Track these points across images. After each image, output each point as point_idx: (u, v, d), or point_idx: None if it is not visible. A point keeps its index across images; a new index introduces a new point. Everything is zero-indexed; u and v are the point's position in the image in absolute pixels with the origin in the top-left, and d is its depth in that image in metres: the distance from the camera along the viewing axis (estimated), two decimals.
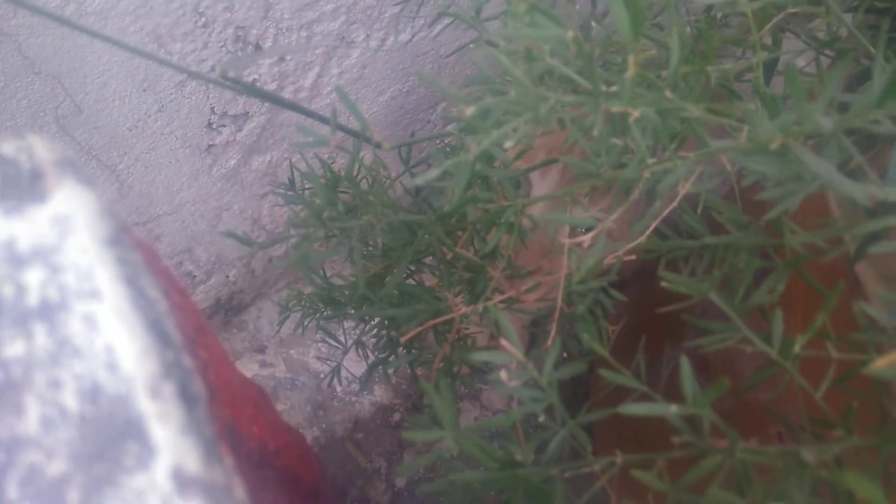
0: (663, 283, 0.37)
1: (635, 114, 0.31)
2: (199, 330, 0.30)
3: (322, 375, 1.31)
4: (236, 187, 0.95)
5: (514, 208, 0.48)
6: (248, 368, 1.25)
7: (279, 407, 1.23)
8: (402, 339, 0.48)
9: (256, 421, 0.38)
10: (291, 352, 1.28)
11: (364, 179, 0.63)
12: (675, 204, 0.42)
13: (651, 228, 0.43)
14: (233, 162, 0.90)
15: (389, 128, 1.04)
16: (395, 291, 0.52)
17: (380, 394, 1.27)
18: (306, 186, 0.61)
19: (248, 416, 0.36)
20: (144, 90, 0.73)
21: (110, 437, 0.18)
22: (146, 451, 0.19)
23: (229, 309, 1.23)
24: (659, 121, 0.34)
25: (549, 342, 0.43)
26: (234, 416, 0.32)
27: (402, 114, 1.03)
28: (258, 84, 0.81)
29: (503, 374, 0.34)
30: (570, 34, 0.30)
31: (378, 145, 0.54)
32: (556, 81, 0.41)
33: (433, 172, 0.36)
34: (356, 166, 0.53)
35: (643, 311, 0.86)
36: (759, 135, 0.30)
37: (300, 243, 0.42)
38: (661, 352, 0.94)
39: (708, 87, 0.39)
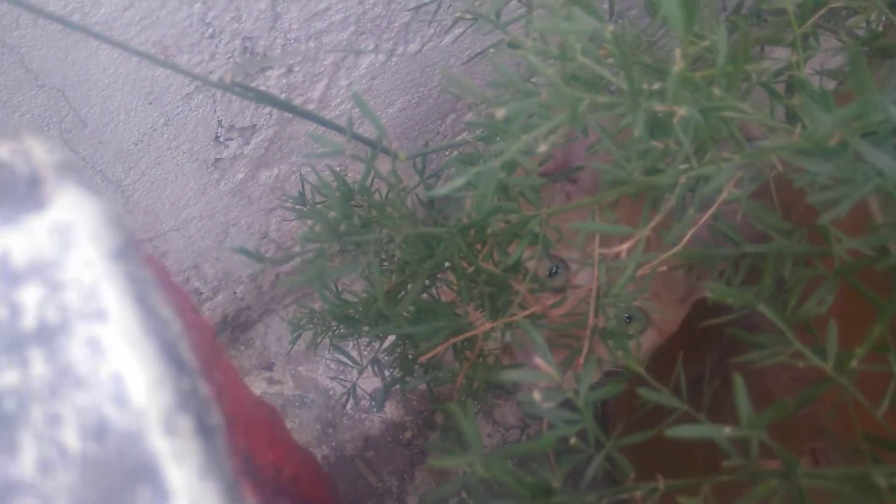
0: (708, 294, 0.34)
1: (681, 112, 0.29)
2: (214, 351, 0.27)
3: (331, 392, 1.28)
4: (244, 202, 0.93)
5: (538, 218, 0.45)
6: (256, 386, 1.23)
7: (287, 425, 1.20)
8: (422, 359, 0.46)
9: (272, 446, 0.35)
10: (300, 369, 1.26)
11: (377, 192, 0.61)
12: (712, 211, 0.39)
13: (686, 238, 0.41)
14: (240, 176, 0.88)
15: (399, 139, 1.02)
16: (412, 308, 0.50)
17: (390, 411, 1.25)
18: (318, 200, 0.59)
19: (264, 441, 0.34)
20: (150, 103, 0.72)
21: (119, 480, 0.16)
22: (160, 496, 0.16)
23: (236, 326, 1.20)
24: (702, 120, 0.31)
25: (583, 359, 0.40)
26: (250, 444, 0.30)
27: (411, 125, 1.01)
28: None
29: (536, 395, 0.31)
30: (609, 28, 0.27)
31: (395, 155, 0.52)
32: (584, 85, 0.39)
33: (457, 181, 0.34)
34: (371, 177, 0.51)
35: (679, 326, 0.83)
36: (815, 130, 0.28)
37: (315, 259, 0.39)
38: (697, 368, 0.92)
39: (749, 87, 0.37)
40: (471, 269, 0.47)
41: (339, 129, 0.50)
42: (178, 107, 0.74)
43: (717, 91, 0.29)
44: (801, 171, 0.37)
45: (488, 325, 0.44)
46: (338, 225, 0.40)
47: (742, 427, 0.29)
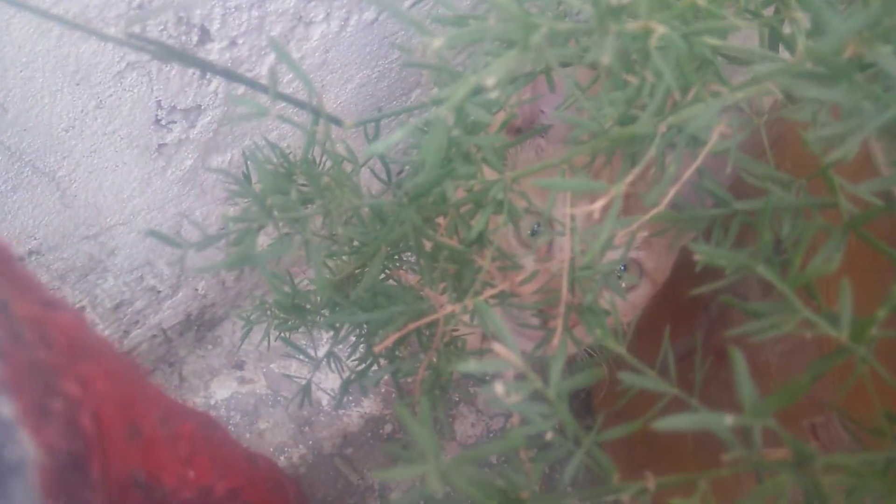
0: (695, 257, 0.29)
1: (659, 29, 0.23)
2: (77, 353, 0.22)
3: (321, 342, 1.22)
4: (196, 191, 0.87)
5: (501, 183, 0.40)
6: (227, 387, 1.17)
7: (261, 425, 1.15)
8: (375, 350, 0.41)
9: (193, 463, 0.30)
10: (272, 366, 1.20)
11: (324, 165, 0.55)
12: (697, 164, 0.34)
13: (669, 198, 0.35)
14: (189, 162, 0.82)
15: (360, 117, 0.96)
16: (370, 293, 0.44)
17: (368, 405, 1.19)
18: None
19: (180, 458, 0.28)
20: (77, 84, 0.65)
21: None
22: None
23: (201, 324, 1.14)
24: (685, 47, 0.26)
25: (556, 341, 0.35)
26: (149, 465, 0.24)
27: (373, 101, 0.95)
28: (207, 74, 0.72)
29: (498, 388, 0.26)
30: None
31: (338, 122, 0.47)
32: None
33: (396, 134, 0.28)
34: (314, 149, 0.45)
35: (663, 297, 0.78)
36: (824, 43, 0.23)
37: (239, 240, 0.34)
38: (684, 343, 0.87)
39: (735, 13, 0.32)
40: (429, 246, 0.42)
41: (286, 98, 0.44)
42: (109, 87, 0.67)
43: (702, 2, 0.24)
44: (798, 107, 0.32)
45: (449, 308, 0.39)
46: (265, 199, 0.35)
47: (746, 415, 0.24)
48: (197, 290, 1.06)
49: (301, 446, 1.16)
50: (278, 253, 0.35)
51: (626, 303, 0.69)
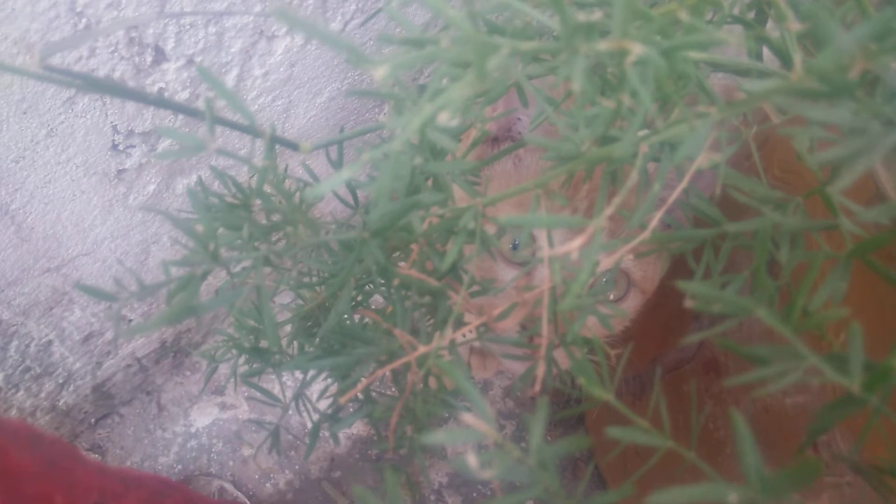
0: (687, 302, 0.26)
1: (635, 50, 0.20)
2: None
3: (291, 412, 1.19)
4: (161, 216, 0.83)
5: (472, 211, 0.37)
6: (208, 413, 1.13)
7: (244, 452, 1.11)
8: (341, 401, 0.37)
9: None
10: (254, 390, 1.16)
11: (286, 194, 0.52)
12: (684, 184, 0.31)
13: (655, 220, 0.32)
14: (151, 187, 0.78)
15: (331, 132, 0.92)
16: (338, 332, 0.41)
17: (356, 426, 1.16)
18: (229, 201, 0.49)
19: None
20: (24, 113, 0.61)
21: None
22: None
23: (178, 350, 1.10)
24: (664, 65, 0.23)
25: (537, 388, 0.31)
26: None
27: (344, 115, 0.92)
28: (165, 95, 0.69)
29: (472, 460, 0.23)
30: None
31: (294, 146, 0.43)
32: (510, 33, 0.30)
33: (343, 172, 0.25)
34: (269, 177, 0.42)
35: (653, 305, 0.75)
36: (828, 59, 0.19)
37: (178, 289, 0.30)
38: (678, 353, 0.84)
39: (719, 21, 0.29)
40: (396, 281, 0.38)
41: (245, 130, 0.40)
42: (59, 114, 0.63)
43: (683, 16, 0.20)
44: (796, 126, 0.29)
45: (421, 350, 0.35)
46: (207, 243, 0.31)
47: (751, 487, 0.20)
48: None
49: (287, 471, 1.12)
50: (226, 302, 0.31)
51: (616, 314, 0.66)
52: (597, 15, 0.20)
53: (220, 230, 0.40)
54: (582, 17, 0.20)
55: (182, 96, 0.70)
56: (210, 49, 0.68)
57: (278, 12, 0.20)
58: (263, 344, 0.48)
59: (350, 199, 0.50)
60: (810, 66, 0.20)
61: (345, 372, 0.39)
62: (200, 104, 0.73)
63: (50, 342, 0.88)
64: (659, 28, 0.22)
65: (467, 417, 0.22)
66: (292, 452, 1.13)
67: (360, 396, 0.46)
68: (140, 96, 0.32)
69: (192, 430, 1.11)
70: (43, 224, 0.72)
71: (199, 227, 0.31)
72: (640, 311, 0.76)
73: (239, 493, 1.06)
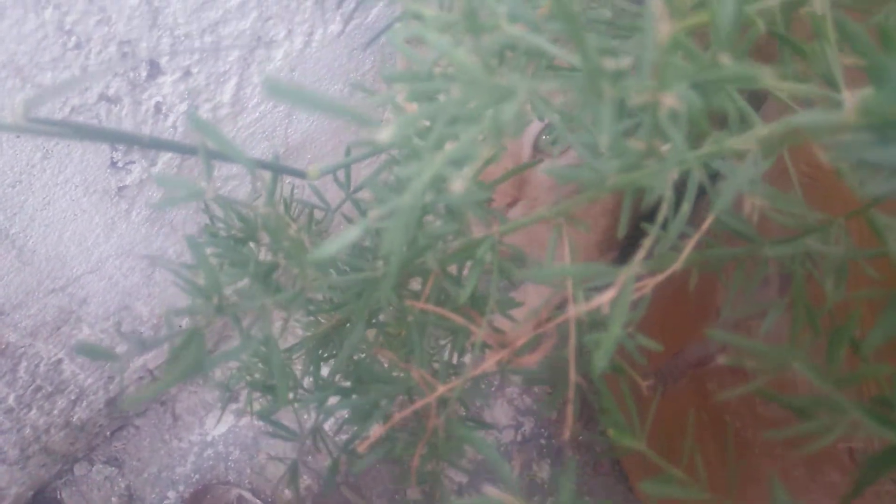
0: (719, 359, 0.24)
1: (669, 102, 0.18)
2: None
3: (306, 417, 1.18)
4: (166, 230, 0.81)
5: (489, 241, 0.34)
6: (224, 421, 1.12)
7: (261, 459, 1.10)
8: (360, 449, 0.35)
9: None
10: (270, 396, 1.15)
11: (304, 214, 0.50)
12: (720, 209, 0.29)
13: (686, 252, 0.30)
14: (154, 202, 0.76)
15: (337, 135, 0.90)
16: (352, 368, 0.39)
17: (374, 427, 1.14)
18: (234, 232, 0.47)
19: None
20: (18, 137, 0.59)
21: None
22: None
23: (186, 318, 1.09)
24: (700, 103, 0.20)
25: (566, 434, 0.29)
26: None
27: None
28: (163, 109, 0.67)
29: None
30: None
31: (301, 174, 0.41)
32: (524, 57, 0.28)
33: (352, 230, 0.23)
34: (277, 206, 0.40)
35: (673, 300, 0.73)
36: (887, 99, 0.17)
37: (183, 345, 0.28)
38: (700, 349, 0.82)
39: (751, 36, 0.26)
40: (409, 318, 0.36)
41: (244, 161, 0.38)
42: (54, 137, 0.61)
43: (724, 60, 0.18)
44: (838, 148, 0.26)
45: (441, 390, 0.34)
46: (212, 294, 0.29)
47: None
48: (181, 327, 1.00)
49: (305, 476, 1.11)
50: (234, 357, 0.29)
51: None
52: (626, 62, 0.18)
53: (225, 266, 0.38)
54: (609, 63, 0.18)
55: (180, 108, 0.68)
56: (207, 59, 0.66)
57: (267, 84, 0.18)
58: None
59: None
60: (865, 107, 0.17)
61: (363, 414, 0.38)
62: (202, 113, 0.71)
63: (60, 360, 0.87)
64: (696, 57, 0.20)
65: (492, 491, 0.20)
66: (309, 458, 1.12)
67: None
68: (132, 139, 0.30)
69: (209, 438, 1.10)
70: (45, 246, 0.71)
71: (201, 281, 0.29)
72: (660, 303, 0.74)
73: (257, 502, 1.06)
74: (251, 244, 0.42)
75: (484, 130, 0.20)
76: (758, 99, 0.59)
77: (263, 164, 0.39)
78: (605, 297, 0.23)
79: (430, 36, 0.21)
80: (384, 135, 0.19)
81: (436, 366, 0.40)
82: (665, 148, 0.23)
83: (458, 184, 0.18)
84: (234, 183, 0.83)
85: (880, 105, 0.18)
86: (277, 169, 0.38)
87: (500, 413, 1.15)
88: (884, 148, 0.19)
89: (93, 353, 0.30)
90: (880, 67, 0.18)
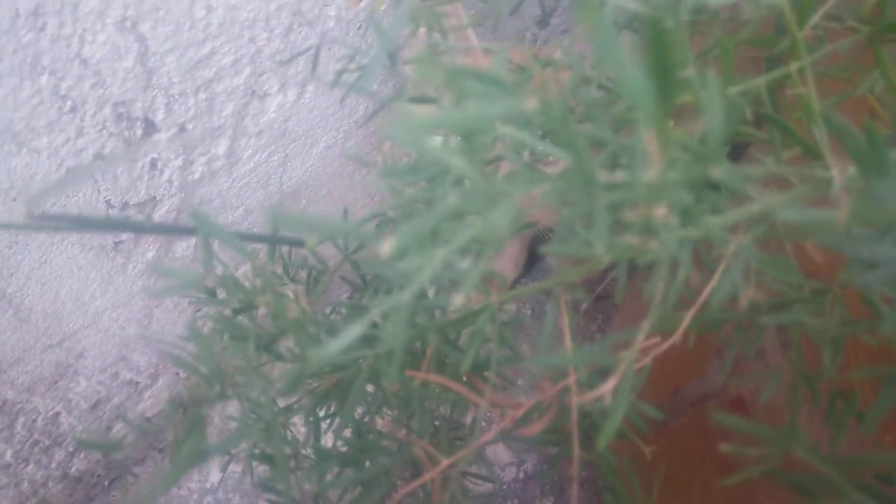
0: (722, 448, 0.24)
1: (661, 212, 0.18)
2: None
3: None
4: (163, 280, 0.81)
5: (488, 311, 0.35)
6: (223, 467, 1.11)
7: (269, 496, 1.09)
8: None
9: None
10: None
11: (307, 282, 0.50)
12: (714, 282, 0.29)
13: (686, 322, 0.30)
14: (150, 254, 0.76)
15: (331, 179, 0.91)
16: (352, 440, 0.39)
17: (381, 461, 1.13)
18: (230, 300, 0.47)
19: None
20: (14, 199, 0.59)
21: None
22: None
23: (188, 406, 1.08)
24: (691, 199, 0.21)
25: None
26: None
27: (342, 161, 0.90)
28: (158, 165, 0.67)
29: None
30: (532, 103, 0.17)
31: (299, 244, 0.41)
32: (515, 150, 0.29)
33: (353, 328, 0.23)
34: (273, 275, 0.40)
35: (668, 350, 0.73)
36: (875, 205, 0.17)
37: (186, 436, 0.28)
38: (699, 388, 0.82)
39: (735, 118, 0.27)
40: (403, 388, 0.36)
41: (245, 237, 0.38)
42: (50, 197, 0.62)
43: (717, 172, 0.18)
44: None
45: (445, 464, 0.33)
46: (214, 383, 0.29)
47: None
48: (178, 373, 1.00)
49: None
50: (235, 444, 0.29)
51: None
52: (619, 176, 0.18)
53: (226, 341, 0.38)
54: (603, 176, 0.18)
55: (176, 164, 0.69)
56: (202, 115, 0.67)
57: (270, 214, 0.19)
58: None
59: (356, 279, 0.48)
60: (859, 214, 0.18)
61: (365, 486, 0.37)
62: (195, 169, 0.71)
63: (57, 414, 0.86)
64: (689, 166, 0.20)
65: None
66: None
67: None
68: (129, 226, 0.30)
69: (208, 485, 1.09)
70: (42, 303, 0.71)
71: (203, 369, 0.29)
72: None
73: None
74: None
75: (480, 233, 0.21)
76: (740, 148, 0.60)
77: (261, 238, 0.39)
78: (606, 387, 0.23)
79: (428, 142, 0.21)
80: (386, 248, 0.19)
81: (437, 422, 0.40)
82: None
83: (459, 298, 0.18)
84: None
85: (870, 210, 0.19)
86: (276, 240, 0.38)
87: (501, 451, 1.15)
88: (877, 245, 0.19)
89: (96, 446, 0.30)
90: (870, 166, 0.19)
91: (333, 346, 0.23)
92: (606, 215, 0.19)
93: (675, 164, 0.17)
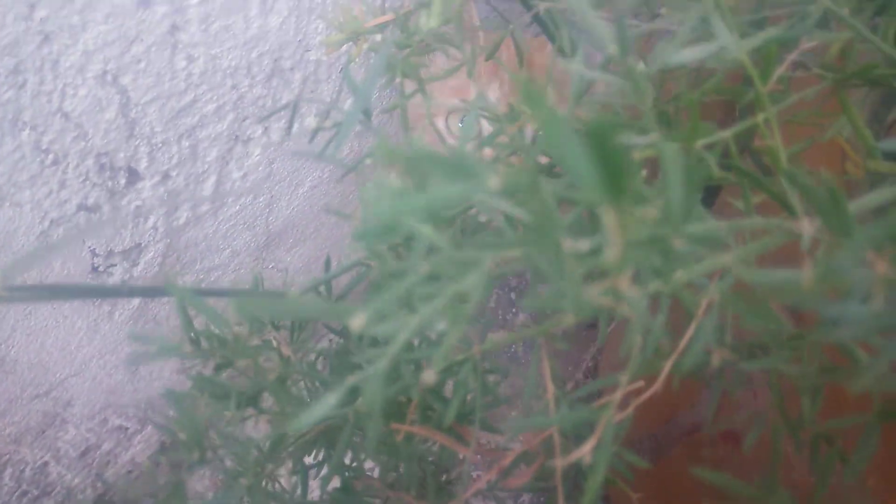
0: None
1: (626, 281, 0.18)
2: None
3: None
4: (149, 325, 0.81)
5: (469, 363, 0.35)
6: None
7: None
8: None
9: None
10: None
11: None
12: (691, 333, 0.29)
13: (665, 372, 0.30)
14: (136, 301, 0.76)
15: (318, 218, 0.91)
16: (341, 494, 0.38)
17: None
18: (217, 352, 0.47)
19: None
20: None
21: None
22: None
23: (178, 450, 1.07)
24: (659, 259, 0.21)
25: None
26: None
27: (328, 199, 0.90)
28: (142, 210, 0.67)
29: None
30: (496, 182, 0.17)
31: (281, 297, 0.41)
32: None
33: (329, 397, 0.23)
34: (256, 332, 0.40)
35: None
36: (843, 270, 0.18)
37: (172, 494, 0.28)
38: (689, 417, 0.82)
39: (699, 176, 0.27)
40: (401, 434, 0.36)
41: (224, 293, 0.38)
42: (35, 248, 0.61)
43: (678, 244, 0.19)
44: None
45: None
46: (195, 443, 0.29)
47: None
48: (168, 416, 0.99)
49: None
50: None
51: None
52: (585, 245, 0.18)
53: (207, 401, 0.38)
54: (570, 244, 0.19)
55: (160, 211, 0.69)
56: (185, 162, 0.67)
57: (237, 306, 0.19)
58: None
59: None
60: (825, 275, 0.18)
61: None
62: (180, 215, 0.71)
63: (46, 463, 0.85)
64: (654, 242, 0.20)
65: None
66: None
67: None
68: (111, 292, 0.30)
69: None
70: (27, 354, 0.70)
71: (183, 435, 0.29)
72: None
73: None
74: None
75: (449, 298, 0.21)
76: (713, 191, 0.60)
77: (245, 293, 0.39)
78: (586, 448, 0.23)
79: (403, 217, 0.21)
80: (357, 322, 0.19)
81: (424, 468, 0.39)
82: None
83: (430, 375, 0.18)
84: (217, 273, 0.83)
85: (840, 281, 0.19)
86: (259, 296, 0.38)
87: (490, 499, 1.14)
88: (844, 304, 0.19)
89: None
90: (834, 226, 0.19)
91: (309, 417, 0.23)
92: (573, 282, 0.19)
93: (638, 234, 0.18)
